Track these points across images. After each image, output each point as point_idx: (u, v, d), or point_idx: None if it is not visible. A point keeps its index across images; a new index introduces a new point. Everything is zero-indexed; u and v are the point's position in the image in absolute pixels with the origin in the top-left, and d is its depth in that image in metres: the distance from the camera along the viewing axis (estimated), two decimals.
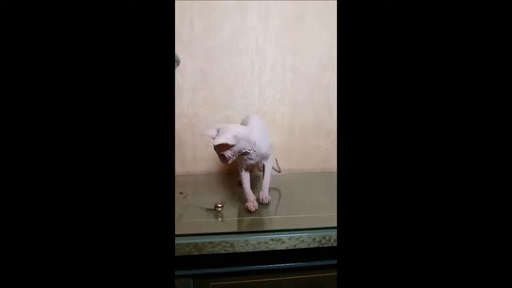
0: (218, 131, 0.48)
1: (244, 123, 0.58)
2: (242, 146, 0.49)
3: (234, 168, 0.88)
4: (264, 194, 0.56)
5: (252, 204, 0.52)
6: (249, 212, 0.51)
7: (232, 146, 0.47)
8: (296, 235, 0.42)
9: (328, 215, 0.49)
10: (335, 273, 0.46)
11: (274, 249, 0.42)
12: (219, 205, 0.53)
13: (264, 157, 0.54)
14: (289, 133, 0.90)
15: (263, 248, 0.41)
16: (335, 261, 0.45)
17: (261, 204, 0.55)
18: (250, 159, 0.52)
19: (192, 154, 0.87)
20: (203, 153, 0.87)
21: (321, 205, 0.57)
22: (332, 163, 0.93)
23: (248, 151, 0.50)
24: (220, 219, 0.50)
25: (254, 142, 0.50)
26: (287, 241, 0.42)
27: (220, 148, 0.47)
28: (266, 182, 0.56)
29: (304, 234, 0.42)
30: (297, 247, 0.42)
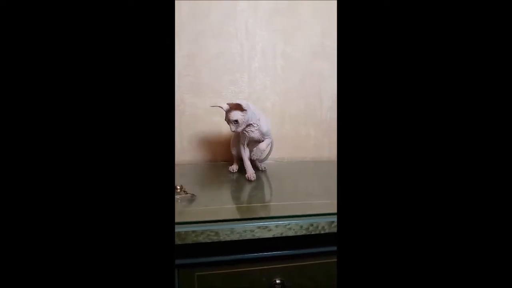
0: (228, 105, 0.58)
1: None
2: (250, 116, 0.59)
3: (221, 159, 0.86)
4: (257, 155, 0.62)
5: (251, 174, 0.64)
6: (249, 181, 0.62)
7: (244, 110, 0.57)
8: (283, 222, 0.41)
9: (319, 202, 0.48)
10: (324, 260, 0.45)
11: (261, 237, 0.40)
12: (178, 187, 0.54)
13: (264, 135, 0.63)
14: (280, 122, 0.88)
15: (249, 236, 0.40)
16: (323, 249, 0.44)
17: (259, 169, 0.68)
18: (252, 131, 0.62)
19: (180, 143, 0.84)
20: (190, 142, 0.85)
21: (311, 193, 0.55)
22: (323, 152, 0.92)
23: (253, 123, 0.60)
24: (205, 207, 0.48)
25: (259, 119, 0.61)
26: (274, 229, 0.41)
27: (233, 113, 0.58)
28: (262, 146, 0.62)
29: (292, 222, 0.41)
30: (284, 234, 0.41)
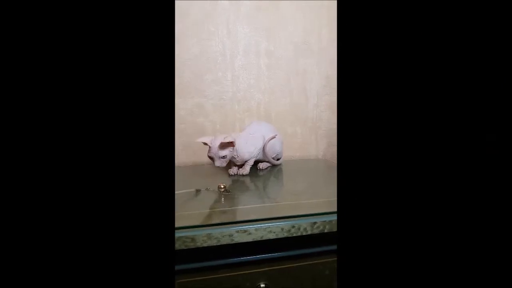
0: (211, 140, 0.59)
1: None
2: (235, 150, 0.62)
3: (201, 161, 0.84)
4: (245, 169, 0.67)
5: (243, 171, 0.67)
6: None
7: (234, 146, 0.60)
8: (263, 225, 0.39)
9: (305, 202, 0.47)
10: (309, 262, 0.44)
11: (240, 241, 0.39)
12: (222, 187, 0.54)
13: (246, 160, 0.66)
14: (266, 121, 0.86)
15: (228, 241, 0.38)
16: (307, 250, 0.43)
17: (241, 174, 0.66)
18: (237, 160, 0.65)
19: None
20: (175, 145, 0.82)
21: (299, 192, 0.54)
22: (309, 151, 0.91)
23: (235, 156, 0.63)
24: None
25: (236, 149, 0.62)
26: (254, 232, 0.39)
27: (221, 149, 0.58)
28: (246, 169, 0.67)
29: (272, 224, 0.39)
30: (264, 238, 0.39)
